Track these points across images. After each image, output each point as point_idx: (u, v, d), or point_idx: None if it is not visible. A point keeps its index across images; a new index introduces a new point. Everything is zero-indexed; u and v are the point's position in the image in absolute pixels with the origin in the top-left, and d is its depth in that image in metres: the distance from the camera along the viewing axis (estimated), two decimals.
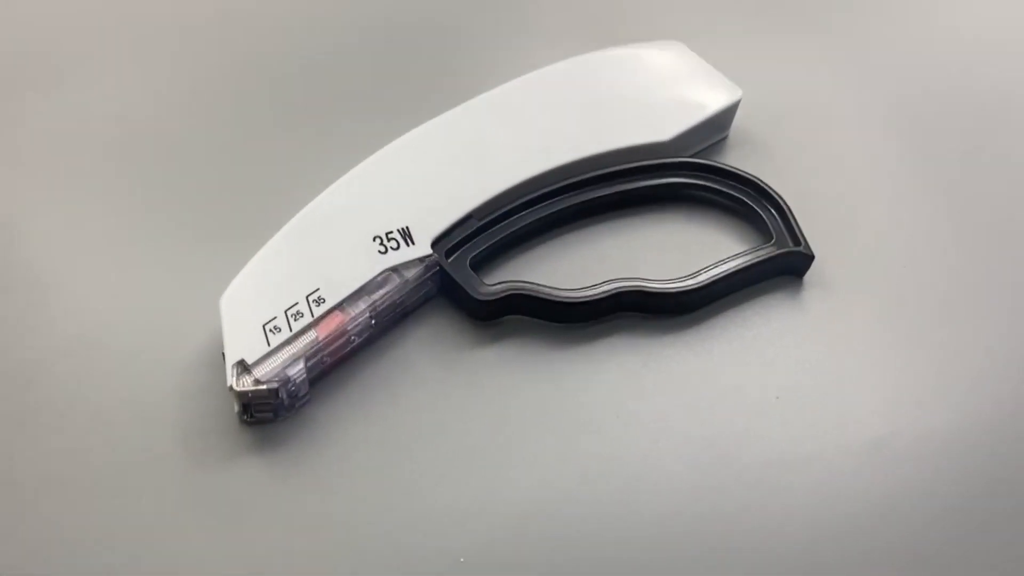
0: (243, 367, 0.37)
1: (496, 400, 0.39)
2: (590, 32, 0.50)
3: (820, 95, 0.52)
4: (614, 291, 0.40)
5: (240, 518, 0.36)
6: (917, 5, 0.58)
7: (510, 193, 0.43)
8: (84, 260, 0.44)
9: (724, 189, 0.45)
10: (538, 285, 0.40)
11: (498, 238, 0.42)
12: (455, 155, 0.44)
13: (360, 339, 0.40)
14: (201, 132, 0.50)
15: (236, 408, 0.38)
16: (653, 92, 0.47)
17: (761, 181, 0.44)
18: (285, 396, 0.37)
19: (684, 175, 0.45)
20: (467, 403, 0.39)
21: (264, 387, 0.36)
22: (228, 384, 0.36)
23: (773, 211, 0.44)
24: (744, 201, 0.44)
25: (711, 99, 0.46)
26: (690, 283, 0.41)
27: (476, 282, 0.40)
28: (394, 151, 0.43)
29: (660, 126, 0.45)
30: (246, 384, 0.36)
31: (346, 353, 0.40)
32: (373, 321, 0.40)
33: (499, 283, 0.41)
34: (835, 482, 0.37)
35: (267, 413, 0.38)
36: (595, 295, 0.40)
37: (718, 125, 0.47)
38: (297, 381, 0.37)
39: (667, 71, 0.48)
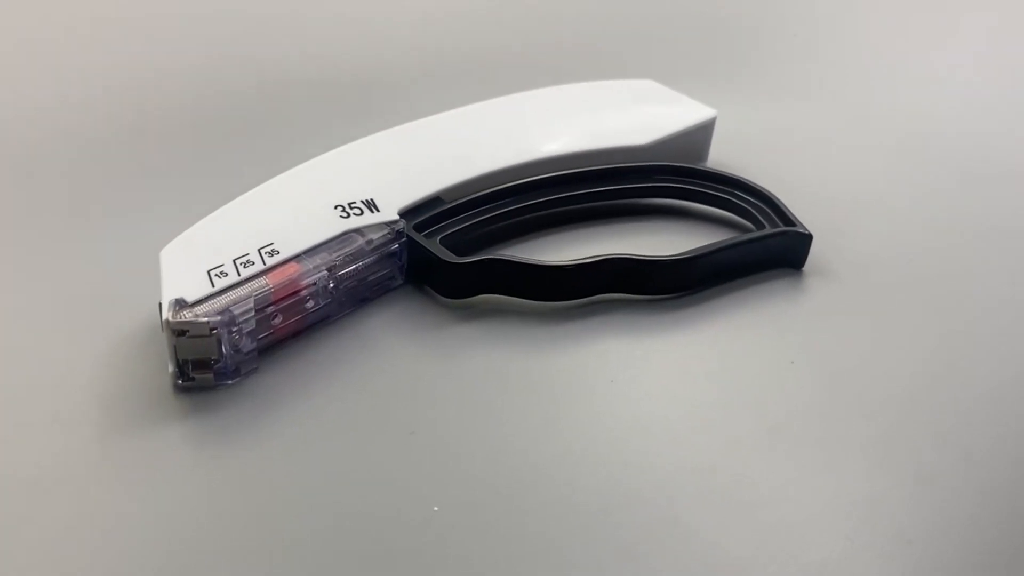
0: (182, 304, 0.33)
1: (474, 377, 0.35)
2: (552, 79, 0.50)
3: (791, 127, 0.53)
4: (603, 258, 0.38)
5: (163, 488, 0.31)
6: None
7: (483, 181, 0.41)
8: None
9: (708, 192, 0.43)
10: (518, 256, 0.38)
11: (470, 223, 0.40)
12: (426, 146, 0.43)
13: (317, 306, 0.36)
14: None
15: (170, 368, 0.33)
16: (630, 109, 0.47)
17: (746, 179, 0.43)
18: (228, 348, 0.33)
19: (665, 179, 0.44)
20: (439, 380, 0.35)
21: (205, 321, 0.32)
22: (163, 318, 0.32)
23: (763, 205, 0.42)
24: (731, 201, 0.43)
25: (688, 115, 0.46)
26: (686, 254, 0.38)
27: (448, 253, 0.38)
28: (360, 144, 0.42)
29: (638, 133, 0.45)
30: (183, 317, 0.32)
31: (300, 319, 0.36)
32: (332, 285, 0.36)
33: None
34: (863, 440, 0.33)
35: (206, 373, 0.34)
36: (582, 261, 0.37)
37: (695, 150, 0.47)
38: (243, 327, 0.33)
39: (643, 97, 0.48)
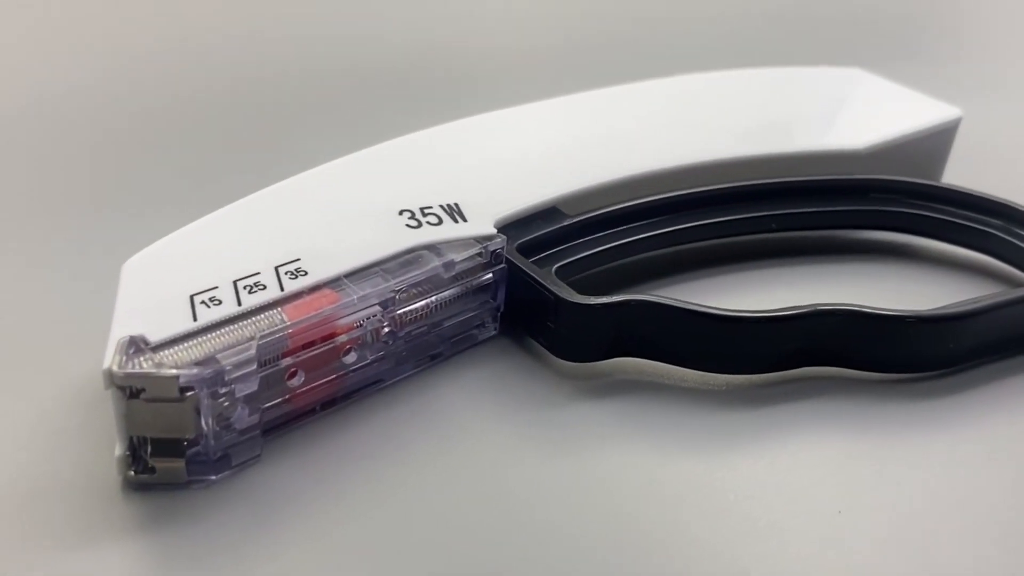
0: (140, 345, 0.22)
1: (605, 488, 0.23)
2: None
3: None
4: (812, 310, 0.25)
5: None
6: None
7: (622, 190, 0.30)
8: None
9: (959, 222, 0.31)
10: (680, 300, 0.26)
11: (602, 249, 0.29)
12: (541, 138, 0.32)
13: (364, 362, 0.25)
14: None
15: (118, 451, 0.22)
16: (836, 104, 0.35)
17: (1022, 206, 0.31)
18: (213, 422, 0.22)
19: (892, 200, 0.32)
20: (552, 491, 0.23)
21: (173, 374, 0.21)
22: (106, 367, 0.21)
23: None
24: (996, 237, 0.31)
25: (920, 115, 0.34)
26: (947, 310, 0.26)
27: (569, 289, 0.26)
28: (440, 131, 0.31)
29: (851, 134, 0.33)
30: (139, 366, 0.21)
31: (335, 382, 0.24)
32: (388, 329, 0.25)
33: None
34: None
35: (175, 462, 0.22)
36: (781, 313, 0.25)
37: (928, 164, 0.35)
38: (239, 389, 0.22)
39: (852, 89, 0.36)
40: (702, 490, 0.23)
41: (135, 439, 0.22)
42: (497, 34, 0.50)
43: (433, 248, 0.26)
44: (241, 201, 0.26)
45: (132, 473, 0.22)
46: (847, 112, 0.34)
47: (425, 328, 0.26)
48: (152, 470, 0.22)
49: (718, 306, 0.25)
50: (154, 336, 0.22)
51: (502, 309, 0.27)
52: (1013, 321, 0.27)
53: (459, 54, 0.47)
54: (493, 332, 0.27)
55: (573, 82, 0.35)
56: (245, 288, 0.23)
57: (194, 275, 0.24)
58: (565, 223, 0.28)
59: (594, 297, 0.25)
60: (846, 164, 0.32)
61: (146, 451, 0.22)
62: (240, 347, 0.22)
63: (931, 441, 0.25)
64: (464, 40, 0.49)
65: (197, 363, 0.21)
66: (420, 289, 0.25)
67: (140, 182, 0.36)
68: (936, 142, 0.34)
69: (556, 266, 0.27)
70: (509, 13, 0.52)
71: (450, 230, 0.26)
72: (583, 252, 0.28)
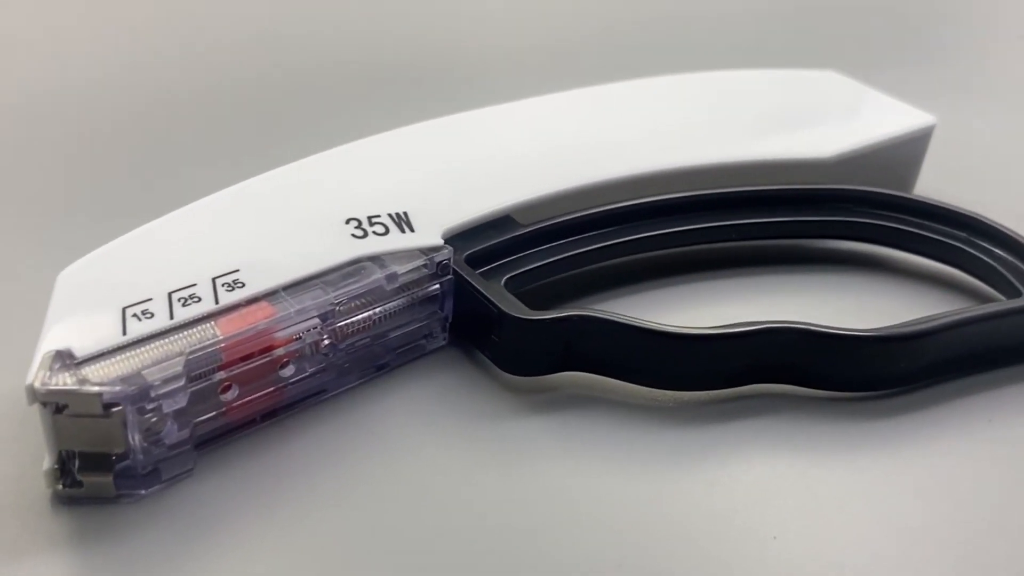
0: (66, 360, 0.22)
1: (547, 506, 0.23)
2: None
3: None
4: (763, 327, 0.25)
5: None
6: None
7: (577, 199, 0.29)
8: None
9: (926, 235, 0.31)
10: (627, 316, 0.25)
11: (553, 260, 0.28)
12: (494, 143, 0.31)
13: (303, 375, 0.24)
14: None
15: (46, 464, 0.22)
16: (806, 109, 0.35)
17: (987, 219, 0.30)
18: (140, 437, 0.22)
19: (858, 212, 0.31)
20: (493, 506, 0.23)
21: (96, 391, 0.21)
22: (27, 382, 0.21)
23: (1016, 260, 0.29)
24: (962, 251, 0.30)
25: (893, 122, 0.34)
26: (899, 328, 0.26)
27: (515, 302, 0.26)
28: (391, 137, 0.31)
29: (818, 142, 0.32)
30: (62, 382, 0.21)
31: (272, 395, 0.24)
32: (327, 342, 0.24)
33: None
34: None
35: (103, 476, 0.22)
36: (731, 330, 0.25)
37: (899, 173, 0.34)
38: (167, 404, 0.22)
39: (825, 93, 0.36)
40: (638, 510, 0.23)
41: (64, 453, 0.22)
42: (476, 35, 0.50)
43: (376, 259, 0.25)
44: (183, 209, 0.26)
45: (60, 487, 0.22)
46: (818, 117, 0.34)
47: (368, 340, 0.26)
48: (80, 484, 0.22)
49: (675, 319, 0.25)
50: (81, 350, 0.22)
51: (451, 320, 0.27)
52: (968, 340, 0.26)
53: (437, 54, 0.47)
54: (443, 342, 0.27)
55: (544, 85, 0.34)
56: (179, 300, 0.23)
57: (129, 287, 0.23)
58: (517, 233, 0.28)
59: (537, 312, 0.25)
60: (813, 172, 0.32)
61: (74, 465, 0.22)
62: (168, 363, 0.22)
63: (876, 463, 0.24)
64: (443, 40, 0.49)
65: (122, 379, 0.21)
66: (362, 301, 0.25)
67: (84, 188, 0.35)
68: (909, 150, 0.34)
69: (507, 277, 0.27)
70: (486, 14, 0.51)
71: (396, 240, 0.26)
72: (536, 262, 0.28)
